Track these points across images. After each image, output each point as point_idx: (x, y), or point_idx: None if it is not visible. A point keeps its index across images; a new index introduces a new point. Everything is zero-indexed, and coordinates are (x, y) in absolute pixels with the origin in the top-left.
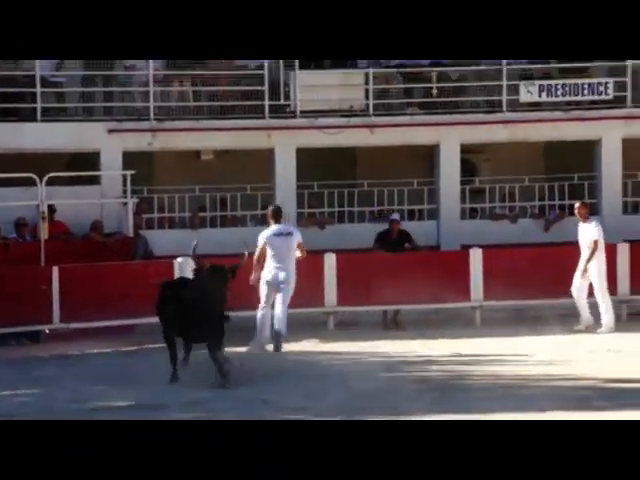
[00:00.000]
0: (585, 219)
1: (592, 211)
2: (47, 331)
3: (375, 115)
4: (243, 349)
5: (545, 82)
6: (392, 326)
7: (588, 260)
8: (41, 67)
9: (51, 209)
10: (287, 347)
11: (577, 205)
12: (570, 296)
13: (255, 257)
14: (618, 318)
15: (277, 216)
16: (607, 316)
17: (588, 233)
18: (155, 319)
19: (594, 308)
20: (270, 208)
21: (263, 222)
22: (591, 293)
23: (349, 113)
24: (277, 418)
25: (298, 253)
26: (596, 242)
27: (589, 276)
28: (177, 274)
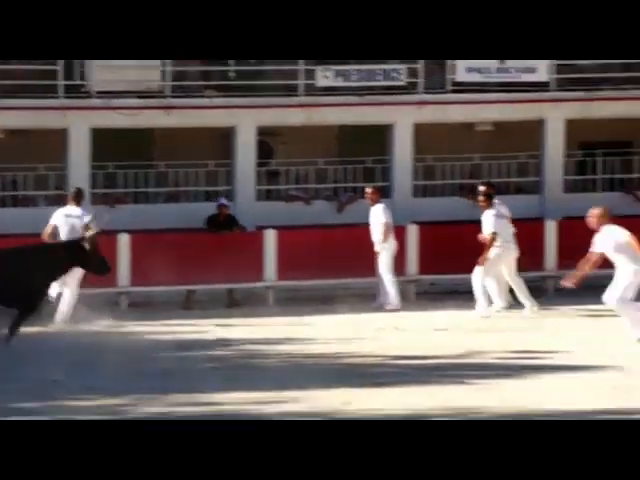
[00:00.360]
0: (374, 203)
1: (384, 194)
2: None
3: (172, 97)
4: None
5: (341, 67)
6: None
7: (382, 241)
8: None
9: None
10: (79, 327)
11: (368, 190)
12: (364, 276)
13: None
14: (407, 297)
15: (77, 198)
16: (392, 294)
17: (377, 216)
18: None
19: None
20: (71, 190)
21: (56, 202)
22: None
23: (145, 94)
24: (67, 399)
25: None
26: (385, 224)
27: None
28: None
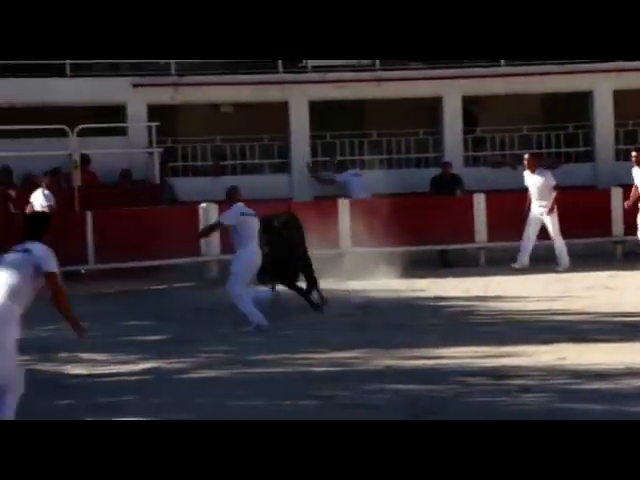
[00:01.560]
0: (533, 170)
1: (587, 157)
2: (83, 271)
3: (382, 69)
4: None
5: None
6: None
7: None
8: None
9: (85, 159)
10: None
11: (526, 157)
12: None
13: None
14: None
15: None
16: (564, 256)
17: (544, 181)
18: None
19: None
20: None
21: (279, 170)
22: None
23: (358, 68)
24: (299, 351)
25: None
26: (555, 188)
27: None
28: (202, 219)
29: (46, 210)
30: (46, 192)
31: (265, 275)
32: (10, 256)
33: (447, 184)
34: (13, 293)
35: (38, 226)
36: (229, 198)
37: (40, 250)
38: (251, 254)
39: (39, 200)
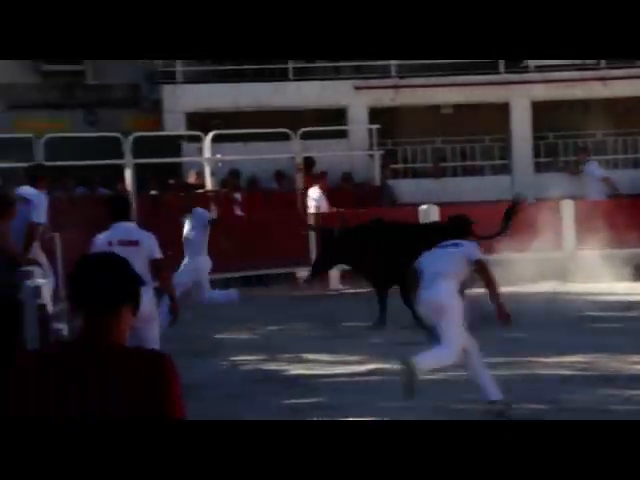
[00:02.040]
0: None
1: None
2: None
3: (608, 68)
4: None
5: None
6: None
7: None
8: None
9: (310, 162)
10: (527, 288)
11: None
12: None
13: None
14: None
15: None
16: None
17: None
18: None
19: None
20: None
21: (500, 171)
22: None
23: (582, 67)
24: (525, 354)
25: None
26: None
27: None
28: (422, 220)
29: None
30: (317, 192)
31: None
32: (441, 250)
33: None
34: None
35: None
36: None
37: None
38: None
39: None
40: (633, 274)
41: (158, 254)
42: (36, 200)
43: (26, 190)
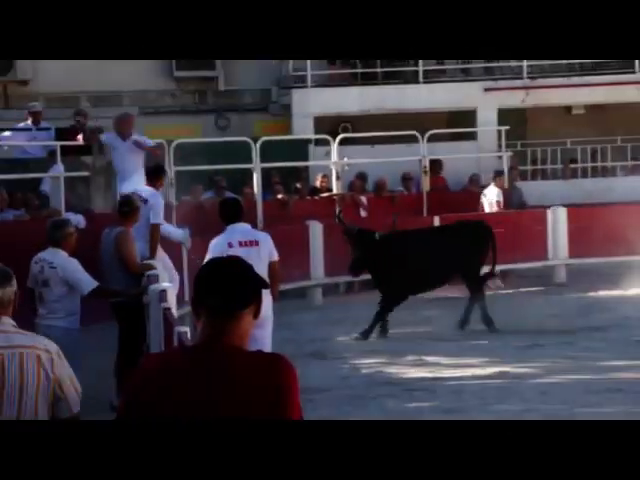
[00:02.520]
0: None
1: None
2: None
3: None
4: None
5: None
6: None
7: None
8: None
9: (438, 164)
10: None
11: None
12: None
13: None
14: None
15: None
16: None
17: None
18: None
19: None
20: None
21: (633, 172)
22: None
23: None
24: None
25: None
26: None
27: None
28: (550, 223)
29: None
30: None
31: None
32: None
33: None
34: None
35: None
36: None
37: None
38: None
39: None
40: None
41: (276, 256)
42: (152, 200)
43: (144, 190)
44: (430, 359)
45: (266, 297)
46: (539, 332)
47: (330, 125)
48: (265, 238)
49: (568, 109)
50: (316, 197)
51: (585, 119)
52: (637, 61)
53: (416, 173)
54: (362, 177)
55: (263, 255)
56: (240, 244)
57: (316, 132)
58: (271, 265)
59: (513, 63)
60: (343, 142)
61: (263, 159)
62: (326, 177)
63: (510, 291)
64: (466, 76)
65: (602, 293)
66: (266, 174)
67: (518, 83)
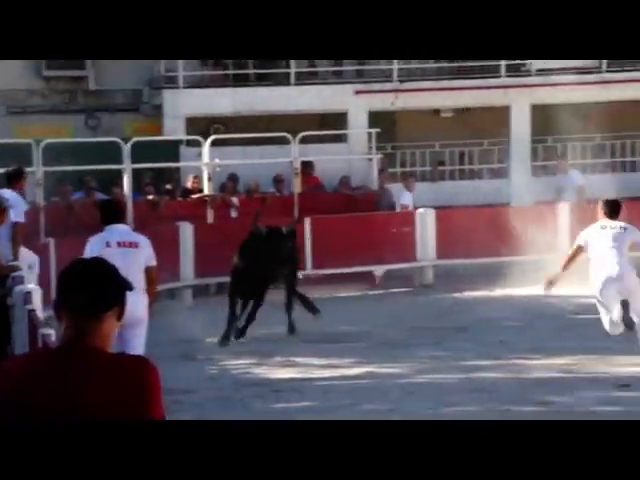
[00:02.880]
0: None
1: None
2: (300, 276)
3: (608, 72)
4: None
5: None
6: None
7: None
8: None
9: (309, 165)
10: (522, 291)
11: None
12: None
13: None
14: None
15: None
16: None
17: None
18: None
19: None
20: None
21: (498, 175)
22: None
23: (582, 70)
24: (513, 357)
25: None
26: None
27: None
28: (418, 225)
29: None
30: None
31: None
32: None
33: None
34: None
35: None
36: None
37: None
38: None
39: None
40: None
41: (154, 261)
42: (13, 200)
43: (3, 192)
44: (299, 360)
45: (140, 298)
46: (407, 332)
47: (202, 126)
48: (145, 242)
49: (437, 112)
50: (187, 198)
51: (453, 122)
52: (503, 65)
53: (288, 175)
54: (233, 178)
55: (141, 258)
56: (118, 244)
57: (188, 133)
58: (148, 270)
59: (383, 66)
60: (215, 143)
61: (134, 160)
62: (197, 178)
63: (379, 292)
64: (337, 78)
65: (468, 294)
66: (137, 175)
67: (388, 86)
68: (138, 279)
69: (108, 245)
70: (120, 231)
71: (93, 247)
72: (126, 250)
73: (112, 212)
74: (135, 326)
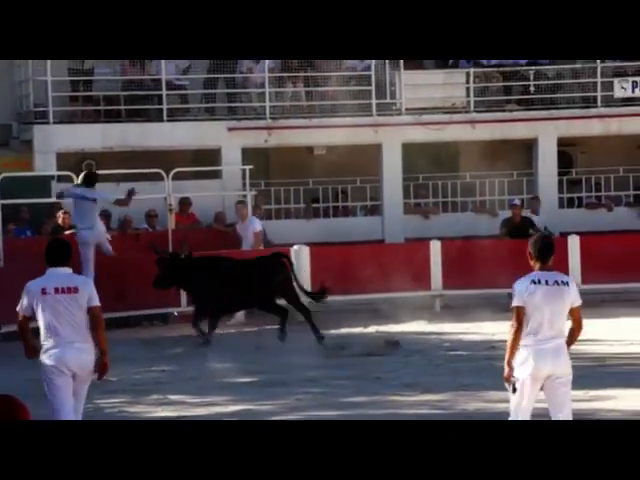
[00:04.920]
0: None
1: None
2: (175, 313)
3: (476, 112)
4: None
5: (638, 78)
6: None
7: None
8: (167, 71)
9: (186, 202)
10: (397, 328)
11: None
12: None
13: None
14: None
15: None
16: None
17: None
18: None
19: None
20: None
21: (371, 212)
22: None
23: (451, 110)
24: (389, 393)
25: None
26: None
27: None
28: (294, 261)
29: None
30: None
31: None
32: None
33: (518, 227)
34: None
35: None
36: None
37: None
38: None
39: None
40: (500, 313)
41: (97, 301)
42: None
43: None
44: (174, 398)
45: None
46: (283, 369)
47: (73, 162)
48: (85, 283)
49: (310, 149)
50: (58, 235)
51: (326, 160)
52: (374, 104)
53: (161, 211)
54: (106, 215)
55: (82, 302)
56: (56, 291)
57: (59, 169)
58: (91, 311)
59: (256, 103)
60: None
61: (4, 195)
62: (67, 214)
63: (255, 328)
64: (210, 115)
65: (344, 330)
66: (11, 211)
67: (261, 123)
68: (83, 324)
69: (44, 292)
70: (59, 275)
71: (30, 294)
72: (65, 297)
73: (56, 253)
74: (87, 380)
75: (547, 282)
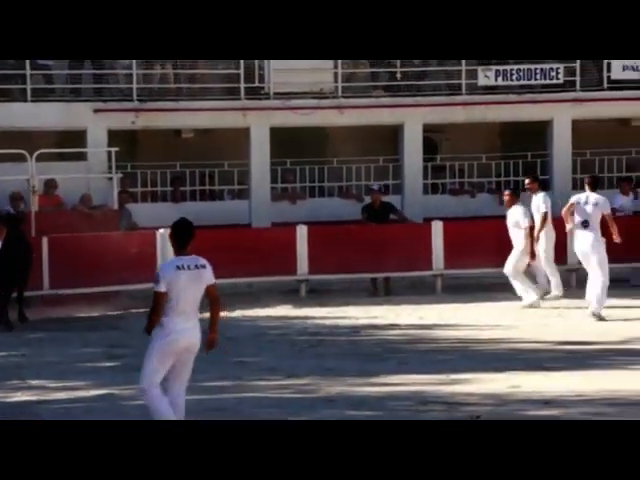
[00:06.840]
0: (534, 192)
1: (544, 187)
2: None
3: (344, 97)
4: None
5: (501, 67)
6: (381, 293)
7: (539, 230)
8: None
9: (51, 184)
10: (262, 312)
11: (527, 180)
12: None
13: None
14: (567, 286)
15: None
16: (554, 282)
17: (537, 205)
18: (137, 285)
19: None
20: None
21: (239, 196)
22: None
23: (319, 95)
24: (252, 378)
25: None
26: (545, 214)
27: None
28: (159, 245)
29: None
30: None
31: None
32: None
33: (378, 212)
34: None
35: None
36: None
37: None
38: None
39: None
40: (364, 298)
41: None
42: None
43: None
44: (35, 382)
45: None
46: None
47: None
48: None
49: (178, 132)
50: None
51: (194, 143)
52: (242, 88)
53: (26, 192)
54: None
55: None
56: None
57: None
58: None
59: (123, 85)
60: None
61: None
62: None
63: (117, 312)
64: (76, 96)
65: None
66: None
67: (128, 105)
68: None
69: None
70: None
71: None
72: None
73: None
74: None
75: (189, 267)
